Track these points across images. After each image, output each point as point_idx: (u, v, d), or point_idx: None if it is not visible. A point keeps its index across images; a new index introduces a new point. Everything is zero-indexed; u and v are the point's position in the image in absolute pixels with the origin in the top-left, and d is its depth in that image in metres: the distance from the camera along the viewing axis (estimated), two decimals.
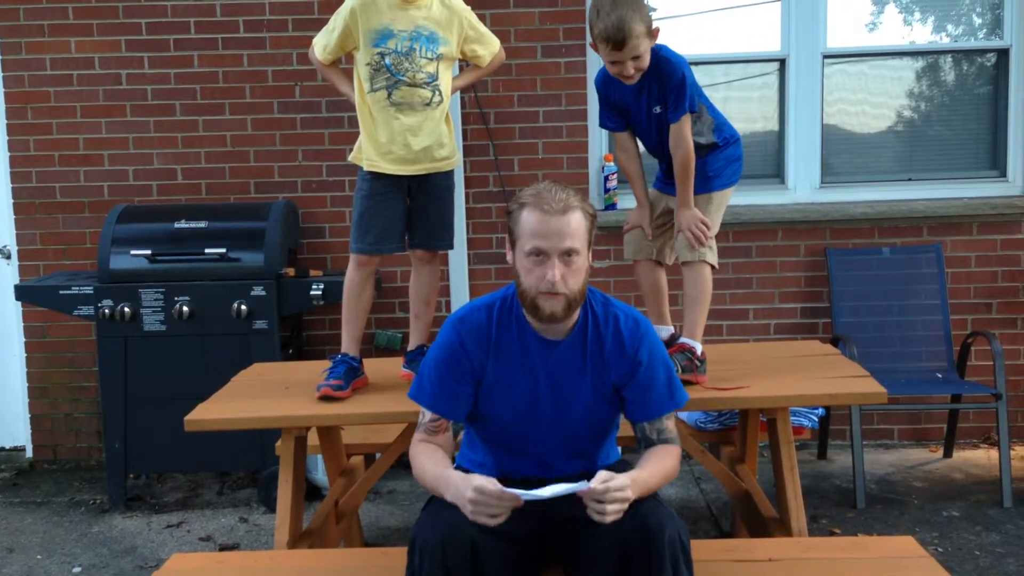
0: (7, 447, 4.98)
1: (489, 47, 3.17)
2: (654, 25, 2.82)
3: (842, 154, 4.83)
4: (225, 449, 4.13)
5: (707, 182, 3.00)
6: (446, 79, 3.04)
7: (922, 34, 4.83)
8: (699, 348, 2.96)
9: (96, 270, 4.23)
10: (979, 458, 4.54)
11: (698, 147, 2.96)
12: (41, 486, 4.55)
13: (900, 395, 4.22)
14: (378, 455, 3.29)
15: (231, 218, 4.35)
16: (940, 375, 4.38)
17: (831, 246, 4.62)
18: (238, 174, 4.68)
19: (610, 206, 4.67)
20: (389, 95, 2.95)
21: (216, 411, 2.85)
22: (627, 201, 4.63)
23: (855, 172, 4.83)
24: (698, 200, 2.98)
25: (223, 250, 4.13)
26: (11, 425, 4.92)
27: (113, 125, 4.66)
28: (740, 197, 4.34)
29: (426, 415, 2.36)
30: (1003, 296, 4.67)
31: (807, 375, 3.01)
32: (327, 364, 3.03)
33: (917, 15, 4.83)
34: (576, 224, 2.19)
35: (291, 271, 4.21)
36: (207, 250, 4.13)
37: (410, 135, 2.97)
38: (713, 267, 3.00)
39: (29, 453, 4.85)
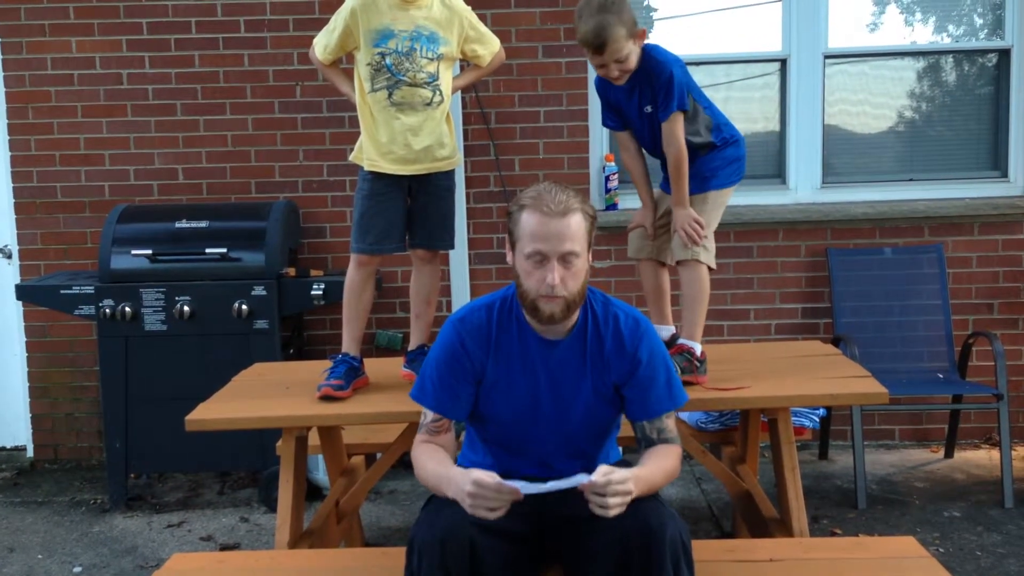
0: (8, 447, 4.98)
1: (489, 47, 3.17)
2: (639, 27, 2.83)
3: (843, 154, 4.83)
4: (226, 449, 4.13)
5: (703, 182, 3.00)
6: (447, 79, 3.04)
7: (923, 34, 4.83)
8: (698, 349, 2.96)
9: (97, 270, 4.23)
10: (980, 458, 4.53)
11: (694, 147, 2.96)
12: (42, 486, 4.55)
13: (901, 395, 4.22)
14: (379, 455, 3.29)
15: (232, 218, 4.35)
16: (941, 375, 4.37)
17: (832, 246, 4.62)
18: (239, 174, 4.68)
19: (611, 206, 4.67)
20: (390, 95, 2.95)
21: (217, 411, 2.84)
22: (628, 201, 4.63)
23: (856, 172, 4.83)
24: (694, 200, 2.98)
25: (224, 250, 4.13)
26: (12, 425, 4.92)
27: (114, 125, 4.66)
28: (741, 197, 4.35)
29: (428, 416, 2.36)
30: (1004, 296, 4.66)
31: (808, 375, 3.01)
32: (328, 364, 3.02)
33: (918, 15, 4.83)
34: (576, 227, 2.19)
35: (292, 271, 4.21)
36: (208, 250, 4.13)
37: (411, 135, 2.97)
38: (711, 268, 2.99)
39: (30, 453, 4.85)
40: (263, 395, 3.00)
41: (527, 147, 4.65)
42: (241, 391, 3.07)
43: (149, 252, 4.13)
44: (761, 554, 2.45)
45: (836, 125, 4.81)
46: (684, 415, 3.61)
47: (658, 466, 2.23)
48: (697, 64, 4.66)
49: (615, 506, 2.01)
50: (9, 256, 4.79)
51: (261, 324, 4.12)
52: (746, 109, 4.78)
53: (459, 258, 4.62)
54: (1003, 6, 4.69)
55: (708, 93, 3.15)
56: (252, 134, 4.65)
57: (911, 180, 4.80)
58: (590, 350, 2.31)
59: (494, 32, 3.21)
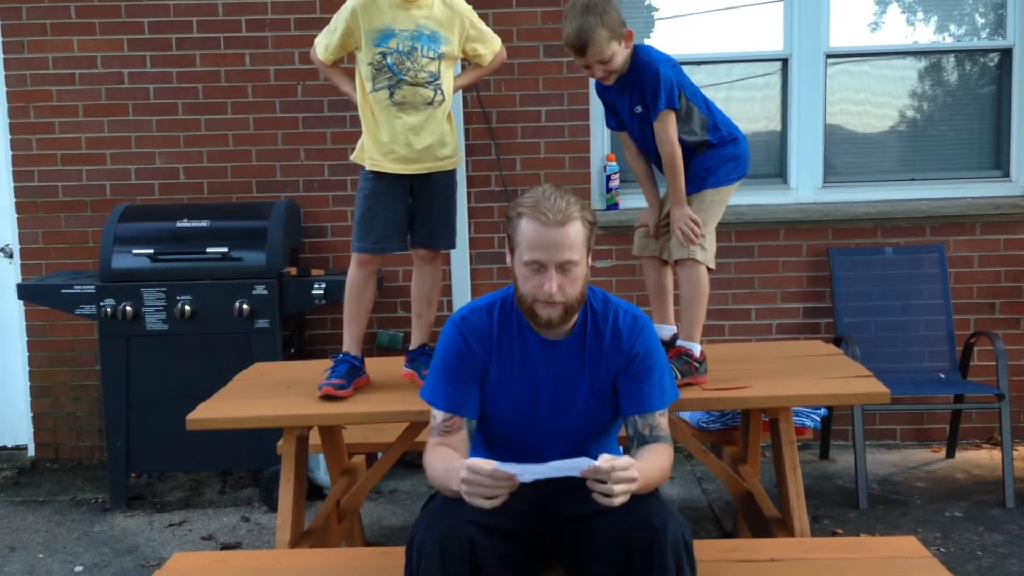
0: (9, 446, 4.98)
1: (490, 46, 3.16)
2: (626, 28, 2.83)
3: (845, 154, 4.83)
4: (227, 448, 4.14)
5: (699, 181, 2.98)
6: (448, 78, 3.03)
7: (925, 34, 4.82)
8: (697, 349, 2.95)
9: (98, 269, 4.23)
10: (982, 458, 4.53)
11: (690, 145, 2.95)
12: (43, 485, 4.55)
13: (903, 395, 4.21)
14: (380, 454, 3.29)
15: (233, 217, 4.35)
16: (943, 375, 4.37)
17: (834, 246, 4.62)
18: (240, 173, 4.68)
19: (612, 206, 4.67)
20: (391, 94, 2.95)
21: (218, 410, 2.85)
22: (629, 201, 4.63)
23: (858, 172, 4.83)
24: (691, 199, 2.97)
25: (225, 249, 4.13)
26: (13, 424, 4.93)
27: (115, 124, 4.66)
28: (742, 197, 4.35)
29: (438, 417, 2.34)
30: (1006, 296, 4.66)
31: (809, 375, 3.00)
32: (329, 363, 3.03)
33: (920, 15, 4.82)
34: (574, 235, 2.18)
35: (293, 270, 4.21)
36: (209, 249, 4.13)
37: (412, 134, 2.97)
38: (709, 268, 2.98)
39: (31, 452, 4.85)
40: (264, 394, 3.00)
41: (528, 147, 4.65)
42: (242, 390, 3.08)
43: (150, 251, 4.13)
44: (762, 554, 2.45)
45: (837, 124, 4.81)
46: (685, 415, 3.61)
47: (653, 463, 2.22)
48: (698, 63, 4.66)
49: (620, 493, 1.98)
50: (10, 255, 4.79)
51: (262, 323, 4.12)
52: (747, 109, 4.78)
53: (460, 258, 4.62)
54: (1005, 5, 4.68)
55: (709, 93, 3.15)
56: (253, 133, 4.66)
57: (913, 180, 4.79)
58: (589, 349, 2.32)
59: (495, 31, 3.20)
